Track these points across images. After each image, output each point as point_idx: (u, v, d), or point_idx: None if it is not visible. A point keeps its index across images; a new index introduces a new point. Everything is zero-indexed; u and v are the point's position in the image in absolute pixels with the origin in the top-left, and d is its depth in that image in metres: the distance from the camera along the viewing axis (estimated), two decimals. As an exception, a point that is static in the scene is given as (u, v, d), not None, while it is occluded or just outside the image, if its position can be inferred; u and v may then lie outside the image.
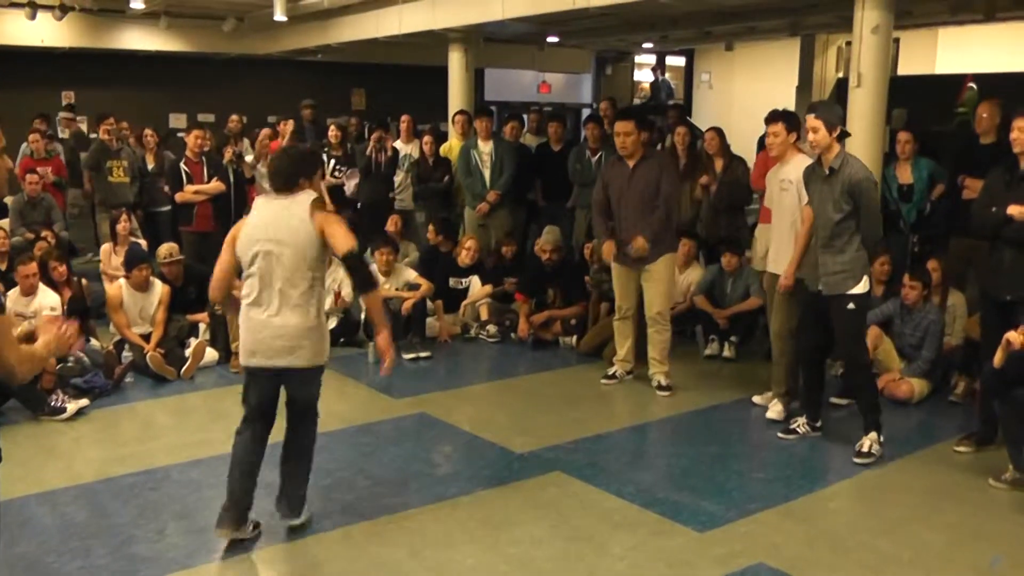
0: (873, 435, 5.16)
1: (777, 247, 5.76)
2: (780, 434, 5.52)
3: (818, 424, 5.50)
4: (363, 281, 3.97)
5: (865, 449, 5.13)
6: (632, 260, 6.26)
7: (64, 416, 5.71)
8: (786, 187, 5.62)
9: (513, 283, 8.04)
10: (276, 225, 3.94)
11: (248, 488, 4.07)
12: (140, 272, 6.85)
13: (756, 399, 6.09)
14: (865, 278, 5.14)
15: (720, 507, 4.50)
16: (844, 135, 5.17)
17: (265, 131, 9.78)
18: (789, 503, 4.57)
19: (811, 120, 5.07)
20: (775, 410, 5.79)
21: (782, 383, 5.81)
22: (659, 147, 8.66)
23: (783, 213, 5.69)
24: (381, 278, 7.49)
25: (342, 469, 4.99)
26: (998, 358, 4.66)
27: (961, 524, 4.37)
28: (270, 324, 3.94)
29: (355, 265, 3.94)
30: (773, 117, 5.72)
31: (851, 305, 5.11)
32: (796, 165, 5.58)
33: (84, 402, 5.87)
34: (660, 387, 6.36)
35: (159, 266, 7.23)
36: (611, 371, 6.61)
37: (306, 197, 3.96)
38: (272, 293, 3.94)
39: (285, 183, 3.98)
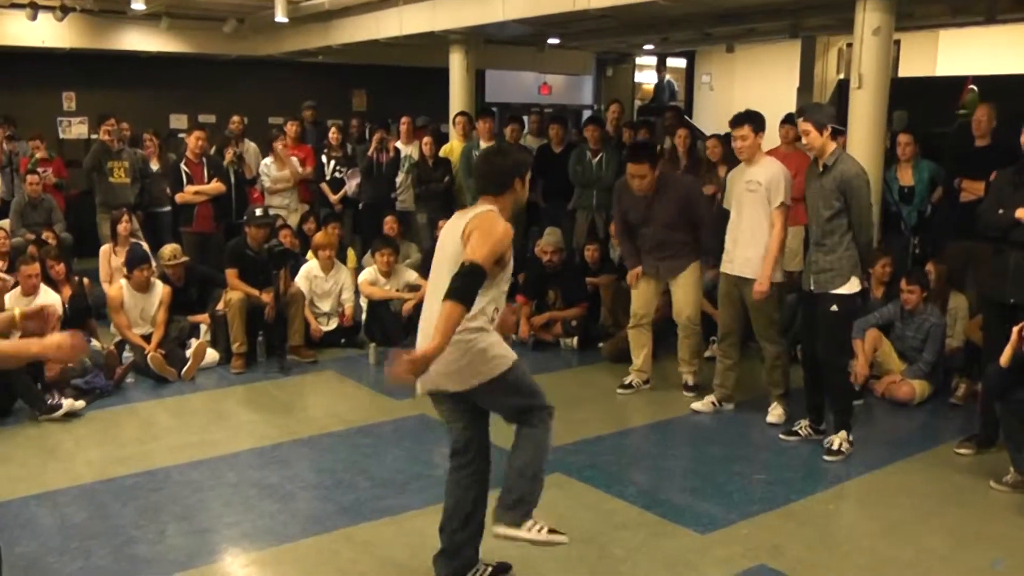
0: (843, 434, 5.18)
1: (743, 250, 5.59)
2: (782, 435, 5.51)
3: (821, 427, 5.45)
4: (454, 291, 3.15)
5: (835, 447, 5.15)
6: (659, 272, 6.23)
7: (58, 414, 5.70)
8: (754, 188, 5.53)
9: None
10: (441, 247, 3.52)
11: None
12: (141, 273, 6.86)
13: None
14: (855, 279, 5.08)
15: (721, 509, 4.50)
16: (836, 132, 5.13)
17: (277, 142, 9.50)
18: (790, 505, 4.57)
19: (801, 124, 5.05)
20: (775, 413, 5.77)
21: (779, 385, 5.80)
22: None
23: (749, 214, 5.56)
24: (381, 279, 7.50)
25: (343, 470, 4.99)
26: (1006, 356, 4.65)
27: (962, 527, 4.37)
28: None
29: (465, 273, 3.17)
30: (738, 120, 5.57)
31: (835, 307, 5.07)
32: (765, 166, 5.53)
33: (80, 404, 5.86)
34: (687, 386, 6.37)
35: (162, 267, 7.23)
36: (627, 380, 6.52)
37: (486, 205, 3.45)
38: None
39: (498, 187, 3.48)
